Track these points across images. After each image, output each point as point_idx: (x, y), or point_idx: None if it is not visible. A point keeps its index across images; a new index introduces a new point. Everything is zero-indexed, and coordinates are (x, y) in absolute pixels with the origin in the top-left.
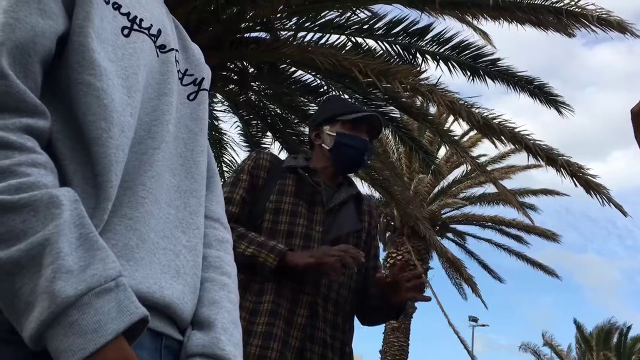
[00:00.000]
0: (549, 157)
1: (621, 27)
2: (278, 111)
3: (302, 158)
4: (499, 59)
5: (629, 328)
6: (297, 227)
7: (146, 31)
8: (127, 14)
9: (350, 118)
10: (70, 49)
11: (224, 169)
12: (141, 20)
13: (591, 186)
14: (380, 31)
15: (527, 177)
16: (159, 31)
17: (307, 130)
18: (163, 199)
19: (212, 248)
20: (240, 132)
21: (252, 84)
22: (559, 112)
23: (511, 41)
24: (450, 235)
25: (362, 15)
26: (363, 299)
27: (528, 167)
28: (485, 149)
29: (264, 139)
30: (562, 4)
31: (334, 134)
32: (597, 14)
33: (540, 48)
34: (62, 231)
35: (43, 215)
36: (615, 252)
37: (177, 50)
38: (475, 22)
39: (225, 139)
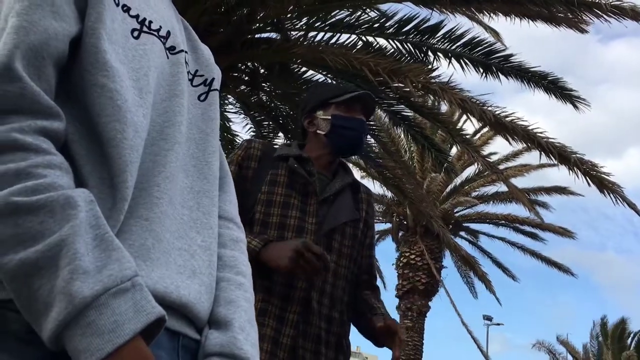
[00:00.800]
0: (562, 155)
1: (635, 14)
2: (289, 111)
3: (296, 146)
4: (511, 55)
5: None
6: (289, 219)
7: (155, 33)
8: (137, 16)
9: (343, 99)
10: (83, 50)
11: None
12: (150, 22)
13: (605, 184)
14: (390, 30)
15: (542, 176)
16: (168, 33)
17: None
18: (177, 199)
19: (227, 248)
20: (252, 133)
21: (263, 84)
22: (575, 106)
23: (523, 39)
24: (463, 233)
25: (372, 14)
26: (355, 298)
27: (542, 165)
28: (498, 146)
29: (275, 140)
30: None
31: (329, 117)
32: (610, 1)
33: (553, 46)
34: (78, 232)
35: (59, 216)
36: (633, 249)
37: (186, 52)
38: (485, 20)
39: (237, 141)
